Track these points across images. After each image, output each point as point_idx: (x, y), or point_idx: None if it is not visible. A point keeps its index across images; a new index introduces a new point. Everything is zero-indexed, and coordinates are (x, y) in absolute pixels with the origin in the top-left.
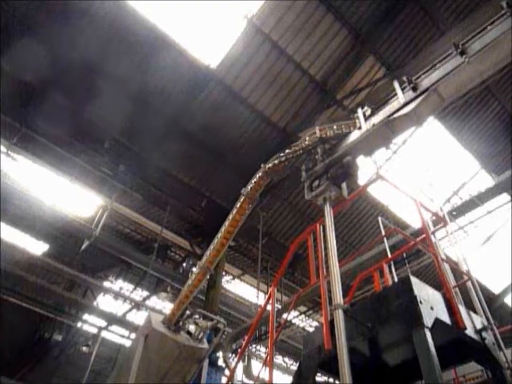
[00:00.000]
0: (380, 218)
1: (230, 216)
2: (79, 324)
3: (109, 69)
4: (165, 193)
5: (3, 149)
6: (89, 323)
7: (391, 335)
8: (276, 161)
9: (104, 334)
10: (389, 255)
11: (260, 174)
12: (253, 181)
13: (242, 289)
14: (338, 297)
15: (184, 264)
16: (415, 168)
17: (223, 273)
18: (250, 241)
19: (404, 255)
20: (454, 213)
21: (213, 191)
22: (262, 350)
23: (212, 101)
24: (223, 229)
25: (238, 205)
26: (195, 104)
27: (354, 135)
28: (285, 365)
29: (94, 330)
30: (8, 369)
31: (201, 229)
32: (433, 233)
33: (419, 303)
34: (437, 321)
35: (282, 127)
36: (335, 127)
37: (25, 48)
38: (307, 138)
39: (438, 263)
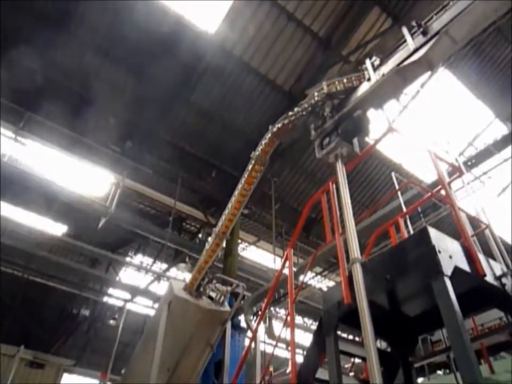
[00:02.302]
0: (393, 174)
1: (242, 181)
2: (104, 299)
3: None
4: (175, 166)
5: (11, 134)
6: (114, 297)
7: (410, 286)
8: (285, 121)
9: (129, 306)
10: (404, 210)
11: (269, 135)
12: (262, 144)
13: (258, 255)
14: (355, 251)
15: (200, 235)
16: (427, 122)
17: (239, 241)
18: (263, 208)
19: (419, 209)
20: (470, 163)
21: (222, 160)
22: (281, 312)
23: (213, 68)
24: (235, 193)
25: (249, 169)
26: (196, 73)
27: (364, 88)
28: (305, 325)
29: (119, 304)
30: (42, 345)
31: (213, 199)
32: (449, 183)
33: (437, 252)
34: (456, 270)
35: (288, 90)
36: (343, 80)
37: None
38: (315, 94)
39: (455, 212)
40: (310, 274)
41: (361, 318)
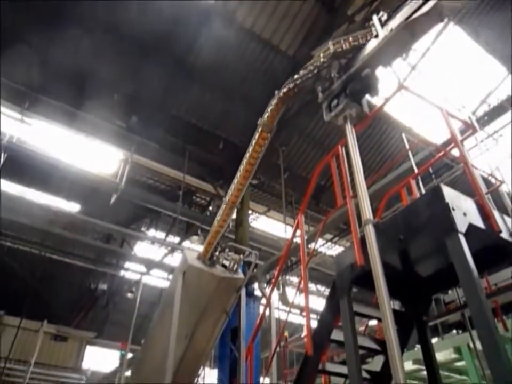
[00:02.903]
0: (403, 135)
1: (250, 150)
2: (121, 273)
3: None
4: (181, 140)
5: (17, 115)
6: (131, 270)
7: (424, 245)
8: (291, 85)
9: (146, 280)
10: (416, 171)
11: (275, 101)
12: (268, 110)
13: (269, 225)
14: (367, 212)
15: (210, 208)
16: (437, 81)
17: (249, 211)
18: (272, 178)
19: (431, 170)
20: (482, 120)
21: (229, 131)
22: (294, 280)
23: (215, 36)
24: (244, 162)
25: (256, 136)
26: (198, 43)
27: (371, 45)
28: (318, 291)
29: (135, 277)
30: (64, 320)
31: (222, 171)
32: (462, 141)
33: (451, 210)
34: (471, 227)
35: (292, 55)
36: (350, 39)
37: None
38: (321, 55)
39: (468, 169)
40: (320, 241)
41: (375, 279)
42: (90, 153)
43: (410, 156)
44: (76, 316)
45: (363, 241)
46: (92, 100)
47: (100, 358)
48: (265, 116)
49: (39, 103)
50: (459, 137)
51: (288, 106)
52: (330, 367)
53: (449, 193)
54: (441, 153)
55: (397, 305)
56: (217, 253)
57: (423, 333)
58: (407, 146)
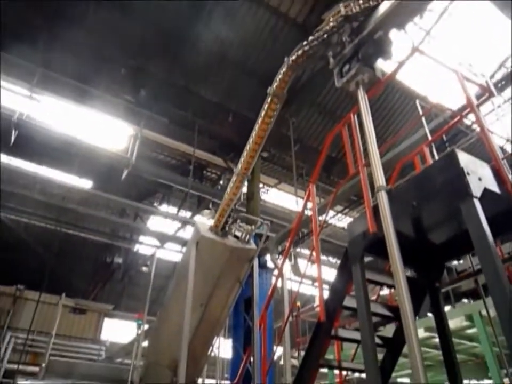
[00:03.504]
0: (417, 101)
1: (259, 120)
2: (135, 247)
3: None
4: (190, 113)
5: (26, 92)
6: (145, 244)
7: (437, 212)
8: (299, 52)
9: (160, 254)
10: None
11: (284, 69)
12: (277, 78)
13: (280, 198)
14: (380, 179)
15: (221, 182)
16: (453, 45)
17: (260, 184)
18: (282, 150)
19: (445, 138)
20: (500, 85)
21: (238, 104)
22: (305, 252)
23: (221, 5)
24: (253, 134)
25: (266, 106)
26: (204, 14)
27: (385, 6)
28: (329, 262)
29: (150, 252)
30: (81, 294)
31: (232, 144)
32: (478, 105)
33: (466, 175)
34: (486, 192)
35: (301, 22)
36: (361, 1)
37: None
38: (331, 19)
39: (484, 134)
40: (331, 213)
41: (388, 244)
42: (100, 129)
43: (424, 123)
44: (93, 289)
45: (375, 210)
46: (99, 75)
47: (118, 329)
48: (275, 84)
49: (47, 80)
50: (475, 102)
51: (298, 74)
52: (342, 333)
53: (464, 158)
54: (457, 118)
55: (409, 272)
56: (229, 224)
57: (435, 300)
58: (421, 112)
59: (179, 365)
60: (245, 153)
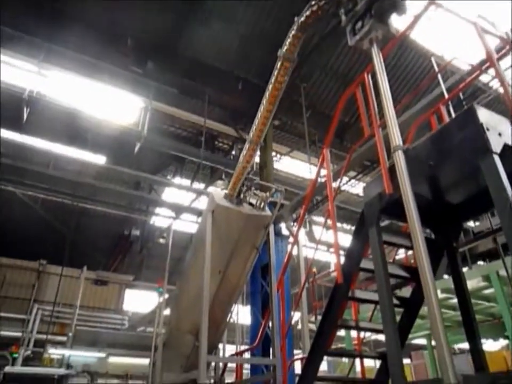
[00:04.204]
0: (433, 58)
1: (270, 86)
2: (152, 220)
3: None
4: (199, 83)
5: (33, 68)
6: (161, 215)
7: (455, 171)
8: (308, 13)
9: (176, 226)
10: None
11: (294, 32)
12: (287, 42)
13: (293, 166)
14: (396, 138)
15: (233, 152)
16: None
17: (273, 153)
18: (294, 117)
19: (462, 97)
20: None
21: (247, 71)
22: (320, 220)
23: None
24: (264, 101)
25: (276, 70)
26: None
27: None
28: (343, 229)
29: (166, 224)
30: (102, 266)
31: (242, 112)
32: (498, 59)
33: (486, 130)
34: (506, 147)
35: None
36: None
37: None
38: None
39: (505, 88)
40: (344, 179)
41: (405, 204)
42: (110, 103)
43: (440, 80)
44: (113, 262)
45: (391, 171)
46: (105, 47)
47: (139, 300)
48: (285, 47)
49: (54, 54)
50: (495, 55)
51: (309, 34)
52: (359, 294)
53: (483, 113)
54: (475, 73)
55: (426, 233)
56: (243, 192)
57: (453, 260)
58: (436, 69)
59: (200, 330)
60: (256, 121)
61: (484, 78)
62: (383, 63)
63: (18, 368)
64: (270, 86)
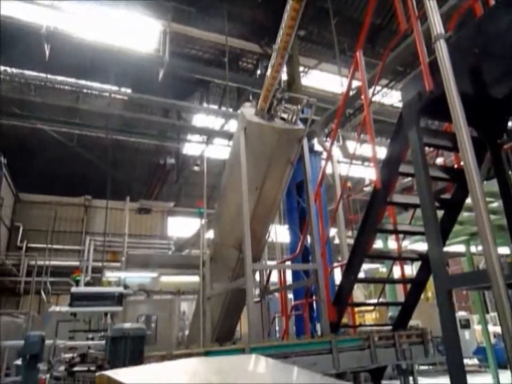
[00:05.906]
0: None
1: None
2: (185, 148)
3: None
4: None
5: (47, 2)
6: (193, 141)
7: (502, 60)
8: None
9: (209, 153)
10: None
11: None
12: None
13: (321, 81)
14: (437, 26)
15: (259, 71)
16: None
17: (300, 68)
18: (320, 25)
19: None
20: None
21: None
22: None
23: None
24: (287, 7)
25: None
26: None
27: None
28: (377, 141)
29: (198, 151)
30: (143, 195)
31: (265, 27)
32: None
33: None
34: None
35: None
36: None
37: None
38: None
39: None
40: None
41: (448, 98)
42: (129, 30)
43: None
44: (153, 191)
45: (432, 67)
46: None
47: (181, 226)
48: None
49: None
50: None
51: None
52: (398, 198)
53: None
54: None
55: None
56: (274, 106)
57: (497, 159)
58: None
59: (244, 241)
60: (281, 31)
61: None
62: None
63: (83, 288)
64: None
